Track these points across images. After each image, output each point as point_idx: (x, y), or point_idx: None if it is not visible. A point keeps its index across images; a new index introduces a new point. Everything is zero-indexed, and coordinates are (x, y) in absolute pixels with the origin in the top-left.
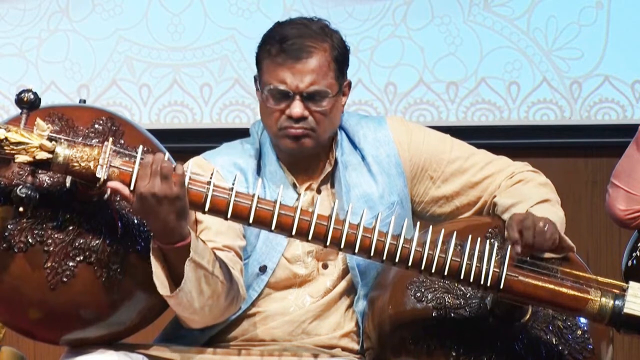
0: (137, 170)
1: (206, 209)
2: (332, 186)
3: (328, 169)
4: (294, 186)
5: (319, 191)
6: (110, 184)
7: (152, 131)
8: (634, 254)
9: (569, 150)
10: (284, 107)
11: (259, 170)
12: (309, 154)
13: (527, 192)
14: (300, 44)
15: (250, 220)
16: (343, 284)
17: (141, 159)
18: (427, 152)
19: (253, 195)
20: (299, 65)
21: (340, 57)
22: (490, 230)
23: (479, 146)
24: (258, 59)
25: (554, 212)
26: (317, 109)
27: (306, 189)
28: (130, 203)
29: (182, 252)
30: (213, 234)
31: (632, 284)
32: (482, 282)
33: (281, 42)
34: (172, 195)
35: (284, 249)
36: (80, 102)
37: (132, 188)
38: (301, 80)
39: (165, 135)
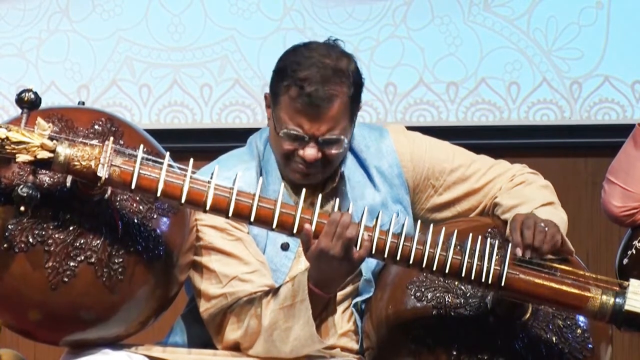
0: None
1: (207, 208)
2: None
3: (332, 184)
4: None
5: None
6: (306, 226)
7: (152, 131)
8: (629, 252)
9: (569, 150)
10: (297, 147)
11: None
12: None
13: (530, 194)
14: (322, 92)
15: (252, 219)
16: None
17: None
18: (429, 161)
19: (254, 194)
20: (318, 114)
21: (357, 93)
22: (489, 230)
23: (479, 146)
24: (274, 90)
25: (557, 215)
26: (330, 152)
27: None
28: (309, 246)
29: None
30: (258, 276)
31: (632, 281)
32: (483, 280)
33: (302, 85)
34: (351, 262)
35: (289, 270)
36: (79, 103)
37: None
38: (318, 128)
39: (165, 136)
